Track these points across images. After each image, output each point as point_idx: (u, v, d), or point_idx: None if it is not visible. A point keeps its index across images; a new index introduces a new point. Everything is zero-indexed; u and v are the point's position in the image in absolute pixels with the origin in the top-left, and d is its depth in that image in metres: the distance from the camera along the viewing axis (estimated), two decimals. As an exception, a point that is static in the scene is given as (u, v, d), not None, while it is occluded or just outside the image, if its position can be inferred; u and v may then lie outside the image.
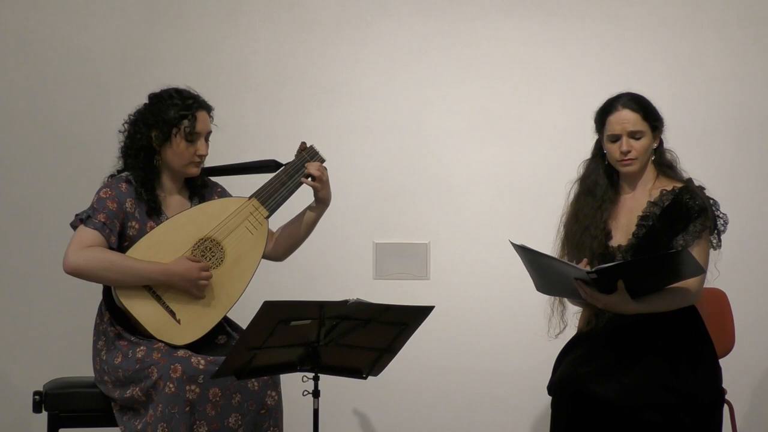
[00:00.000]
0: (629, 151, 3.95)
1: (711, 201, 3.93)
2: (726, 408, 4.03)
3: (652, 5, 5.22)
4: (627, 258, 3.89)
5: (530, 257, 3.83)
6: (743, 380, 4.98)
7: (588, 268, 3.77)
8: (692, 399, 3.80)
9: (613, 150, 3.98)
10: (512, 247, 3.83)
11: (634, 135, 3.96)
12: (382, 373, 3.81)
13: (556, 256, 3.97)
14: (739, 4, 5.21)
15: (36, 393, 4.13)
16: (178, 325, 3.98)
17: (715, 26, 5.20)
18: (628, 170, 3.98)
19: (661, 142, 4.03)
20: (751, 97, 5.19)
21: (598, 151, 4.07)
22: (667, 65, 5.17)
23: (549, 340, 4.04)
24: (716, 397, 3.91)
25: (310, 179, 4.16)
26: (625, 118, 3.96)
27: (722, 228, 3.95)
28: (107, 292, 4.03)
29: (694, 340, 3.92)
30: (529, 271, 3.90)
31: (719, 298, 4.26)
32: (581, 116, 5.12)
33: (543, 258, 3.81)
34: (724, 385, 3.98)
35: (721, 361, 4.00)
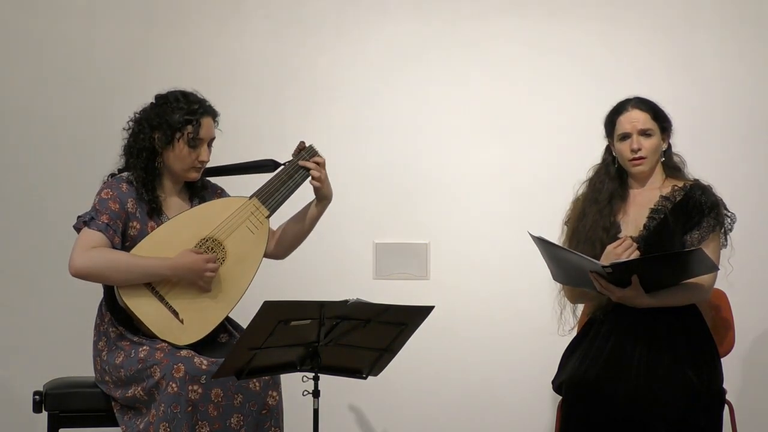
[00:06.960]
0: (639, 149, 3.98)
1: (720, 199, 3.97)
2: (726, 408, 4.04)
3: (652, 5, 5.22)
4: (639, 247, 3.92)
5: (548, 249, 3.89)
6: (743, 380, 4.97)
7: (604, 263, 3.81)
8: (697, 398, 3.81)
9: (623, 149, 4.02)
10: (531, 239, 3.89)
11: (644, 132, 4.01)
12: (382, 373, 3.82)
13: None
14: (739, 4, 5.21)
15: (36, 393, 4.13)
16: (181, 325, 3.99)
17: (715, 26, 5.20)
18: (639, 170, 4.01)
19: (669, 146, 4.07)
20: (752, 97, 5.19)
21: (608, 156, 4.10)
22: (667, 65, 5.17)
23: (562, 335, 4.08)
24: (718, 396, 3.92)
25: (310, 179, 4.17)
26: (636, 117, 4.02)
27: (729, 227, 4.00)
28: (108, 293, 4.03)
29: (697, 339, 3.93)
30: (546, 261, 3.96)
31: (719, 298, 4.25)
32: (581, 116, 5.14)
33: (560, 251, 3.88)
34: (724, 385, 3.98)
35: (722, 361, 4.00)
